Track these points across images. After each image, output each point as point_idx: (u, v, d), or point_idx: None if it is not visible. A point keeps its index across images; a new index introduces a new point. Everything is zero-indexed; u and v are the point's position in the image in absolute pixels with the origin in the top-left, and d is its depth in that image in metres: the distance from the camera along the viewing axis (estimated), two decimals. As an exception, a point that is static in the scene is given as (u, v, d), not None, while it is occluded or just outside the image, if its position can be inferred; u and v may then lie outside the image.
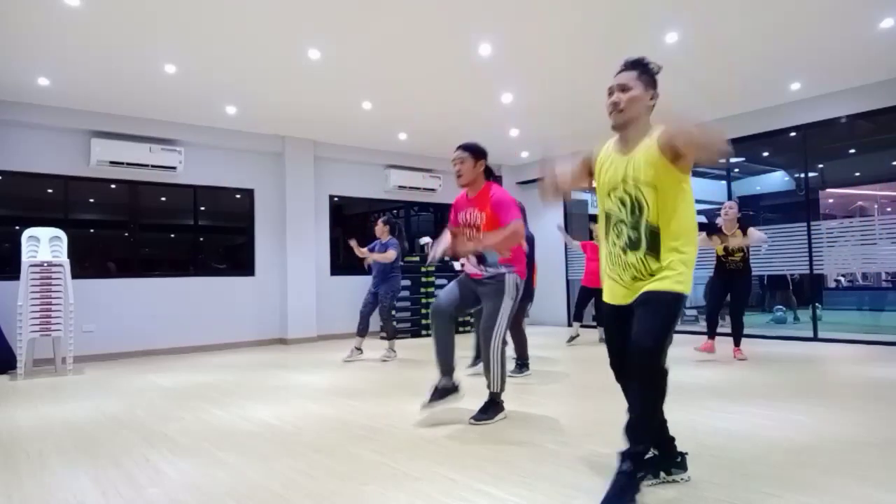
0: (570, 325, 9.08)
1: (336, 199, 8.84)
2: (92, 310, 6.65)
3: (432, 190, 9.49)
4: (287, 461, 2.70)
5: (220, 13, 4.42)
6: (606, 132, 2.29)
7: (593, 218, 8.57)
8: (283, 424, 3.41)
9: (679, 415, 3.32)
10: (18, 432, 3.37)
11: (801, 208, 7.25)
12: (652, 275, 2.11)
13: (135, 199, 7.20)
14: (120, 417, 3.70)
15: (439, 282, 8.76)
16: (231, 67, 5.49)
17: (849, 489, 2.18)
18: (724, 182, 9.22)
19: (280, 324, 8.05)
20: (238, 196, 7.98)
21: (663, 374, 2.04)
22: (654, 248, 2.10)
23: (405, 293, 8.26)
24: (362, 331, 6.16)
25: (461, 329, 8.61)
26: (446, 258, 4.17)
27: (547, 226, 9.44)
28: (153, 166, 6.95)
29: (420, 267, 8.52)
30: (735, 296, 5.59)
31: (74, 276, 6.10)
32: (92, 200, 7.11)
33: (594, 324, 8.07)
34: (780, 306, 9.29)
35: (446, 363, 3.41)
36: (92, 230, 7.26)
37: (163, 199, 7.47)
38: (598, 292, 6.84)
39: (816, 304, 7.25)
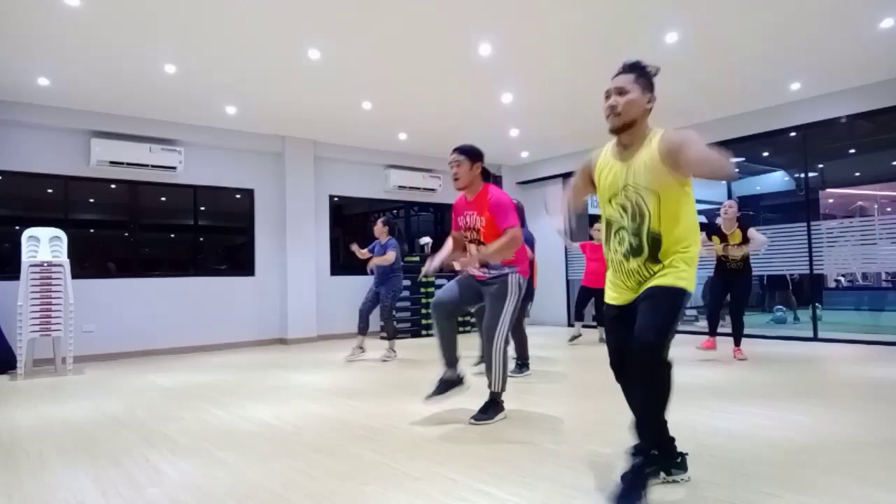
0: (570, 325, 9.09)
1: (336, 199, 8.84)
2: (92, 310, 6.65)
3: (432, 190, 9.49)
4: (287, 461, 2.70)
5: (220, 13, 4.42)
6: (606, 133, 2.29)
7: (593, 218, 8.56)
8: (283, 424, 3.41)
9: (679, 415, 3.32)
10: (18, 432, 3.37)
11: (801, 208, 7.25)
12: (655, 274, 2.12)
13: (135, 199, 7.20)
14: (120, 417, 3.70)
15: (439, 282, 8.75)
16: (231, 67, 5.49)
17: (849, 489, 2.18)
18: (723, 182, 9.21)
19: (280, 324, 8.05)
20: (238, 196, 7.98)
21: (666, 368, 2.04)
22: (656, 254, 2.11)
23: (406, 293, 8.26)
24: (363, 329, 6.16)
25: (462, 329, 8.61)
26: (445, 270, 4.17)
27: (547, 226, 9.43)
28: (153, 166, 6.95)
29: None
30: (735, 295, 5.60)
31: (74, 276, 6.11)
32: (92, 200, 7.11)
33: (594, 324, 8.06)
34: (780, 306, 9.29)
35: (450, 354, 3.42)
36: (92, 230, 7.26)
37: (163, 199, 7.47)
38: (598, 292, 6.84)
39: (816, 304, 7.25)
